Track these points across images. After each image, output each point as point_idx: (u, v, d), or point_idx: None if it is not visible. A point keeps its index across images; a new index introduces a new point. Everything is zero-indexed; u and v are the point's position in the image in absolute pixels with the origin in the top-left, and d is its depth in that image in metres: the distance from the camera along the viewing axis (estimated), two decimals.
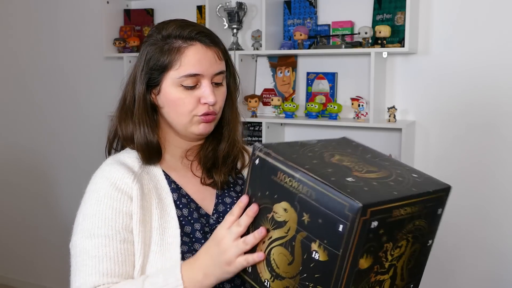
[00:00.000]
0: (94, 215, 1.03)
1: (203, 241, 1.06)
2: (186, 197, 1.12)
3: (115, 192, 1.05)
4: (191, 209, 1.10)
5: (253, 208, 0.90)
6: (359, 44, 2.41)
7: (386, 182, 0.88)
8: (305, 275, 0.84)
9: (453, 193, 2.66)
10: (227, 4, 2.70)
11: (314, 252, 0.81)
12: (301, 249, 0.84)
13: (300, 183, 0.82)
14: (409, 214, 0.85)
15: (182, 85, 1.07)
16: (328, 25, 2.59)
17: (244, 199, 0.92)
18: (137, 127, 1.10)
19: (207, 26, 2.66)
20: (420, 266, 0.96)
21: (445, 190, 0.94)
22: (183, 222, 1.08)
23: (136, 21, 3.05)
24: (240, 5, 2.69)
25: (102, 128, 3.24)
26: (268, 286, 0.90)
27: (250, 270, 0.94)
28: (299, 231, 0.83)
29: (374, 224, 0.78)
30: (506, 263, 2.36)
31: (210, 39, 1.09)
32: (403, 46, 2.30)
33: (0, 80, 3.67)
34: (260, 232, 0.89)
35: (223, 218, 1.11)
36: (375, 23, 2.47)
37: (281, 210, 0.86)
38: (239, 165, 1.21)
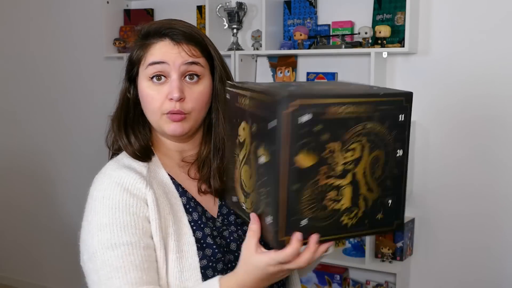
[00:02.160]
0: (111, 224, 0.97)
1: (214, 246, 1.05)
2: (193, 200, 1.10)
3: (129, 198, 1.00)
4: (199, 213, 1.08)
5: (323, 249, 0.88)
6: (359, 44, 2.41)
7: (330, 87, 0.90)
8: (259, 182, 0.86)
9: (453, 193, 2.64)
10: (227, 4, 2.70)
11: (261, 157, 0.84)
12: (254, 159, 0.87)
13: (249, 99, 0.87)
14: (354, 114, 0.84)
15: (150, 79, 1.05)
16: (328, 25, 2.59)
17: (253, 217, 0.90)
18: (118, 129, 1.10)
19: (207, 26, 2.66)
20: (395, 179, 0.93)
21: (403, 95, 0.89)
22: (194, 227, 1.05)
23: (136, 21, 3.05)
24: (240, 5, 2.69)
25: (102, 128, 3.22)
26: (245, 208, 0.93)
27: (235, 199, 0.97)
28: (251, 143, 0.87)
29: (303, 118, 0.79)
30: (506, 261, 2.36)
31: (182, 35, 1.06)
32: (403, 46, 2.30)
33: (0, 80, 3.67)
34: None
35: (227, 220, 1.11)
36: (375, 23, 2.47)
37: (241, 130, 0.91)
38: None
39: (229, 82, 0.98)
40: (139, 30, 1.11)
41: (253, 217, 0.89)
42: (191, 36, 1.07)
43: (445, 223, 2.46)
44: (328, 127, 0.81)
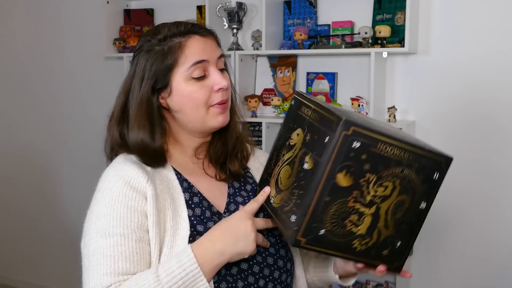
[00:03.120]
0: (108, 214, 1.01)
1: None
2: (198, 195, 1.12)
3: (129, 191, 1.03)
4: (204, 208, 1.11)
5: (266, 190, 1.06)
6: (359, 44, 2.41)
7: (387, 128, 0.98)
8: (295, 184, 0.96)
9: (453, 193, 2.65)
10: (227, 4, 2.70)
11: (305, 163, 0.94)
12: (299, 163, 0.97)
13: (312, 111, 0.97)
14: (397, 157, 0.94)
15: (192, 78, 1.08)
16: (328, 25, 2.59)
17: (267, 189, 1.05)
18: (135, 132, 1.09)
19: (207, 26, 2.65)
20: (412, 226, 1.02)
21: (444, 157, 0.99)
22: (195, 222, 1.07)
23: (136, 21, 3.05)
24: (240, 5, 2.69)
25: (102, 128, 3.22)
26: (272, 202, 1.03)
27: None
28: (301, 149, 0.97)
29: (356, 144, 0.89)
30: (506, 261, 2.36)
31: (204, 29, 1.13)
32: (403, 46, 2.30)
33: (0, 80, 3.67)
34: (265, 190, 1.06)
35: None
36: (375, 23, 2.47)
37: (295, 135, 1.01)
38: (244, 155, 1.24)
39: (299, 91, 1.07)
40: (150, 38, 1.10)
41: (265, 191, 1.05)
42: (208, 29, 1.15)
43: (445, 223, 2.46)
44: (372, 159, 0.91)
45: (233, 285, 1.05)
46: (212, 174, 1.18)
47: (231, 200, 1.17)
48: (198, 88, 1.08)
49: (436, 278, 2.51)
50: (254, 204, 1.04)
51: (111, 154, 1.17)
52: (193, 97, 1.08)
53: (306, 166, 0.93)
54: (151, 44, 1.10)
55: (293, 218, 0.93)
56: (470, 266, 2.43)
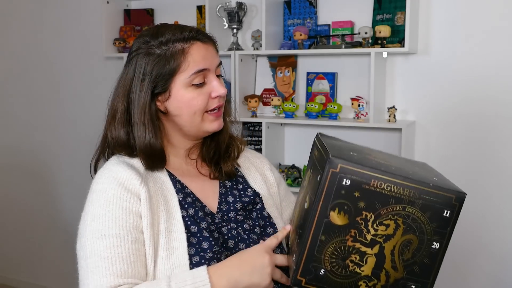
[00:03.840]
0: (103, 216, 1.02)
1: (210, 239, 1.07)
2: (191, 195, 1.13)
3: (124, 192, 1.04)
4: (197, 208, 1.11)
5: (288, 228, 1.07)
6: (359, 44, 2.41)
7: (387, 160, 0.95)
8: (299, 224, 0.98)
9: None
10: (227, 4, 2.70)
11: (305, 203, 0.95)
12: (302, 204, 0.99)
13: (317, 151, 0.97)
14: (396, 194, 0.90)
15: (192, 84, 1.09)
16: (328, 25, 2.59)
17: (288, 227, 1.07)
18: (142, 135, 1.10)
19: (207, 26, 2.67)
20: (425, 268, 0.97)
21: (455, 194, 0.95)
22: (189, 223, 1.08)
23: (136, 21, 3.05)
24: (240, 5, 2.69)
25: (101, 128, 3.23)
26: (289, 241, 1.06)
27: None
28: (307, 189, 0.97)
29: (346, 181, 0.88)
30: (506, 263, 2.36)
31: (206, 36, 1.14)
32: (403, 46, 2.30)
33: (0, 80, 3.67)
34: (286, 228, 1.07)
35: (227, 217, 1.14)
36: (375, 23, 2.47)
37: (307, 176, 1.01)
38: (235, 153, 1.25)
39: (321, 133, 1.05)
40: (150, 40, 1.10)
41: (285, 228, 1.07)
42: (209, 35, 1.15)
43: None
44: (366, 196, 0.89)
45: None
46: (205, 173, 1.19)
47: (223, 199, 1.17)
48: (196, 95, 1.09)
49: (436, 278, 2.50)
50: (274, 240, 1.06)
51: (104, 155, 1.18)
52: (191, 104, 1.09)
53: (305, 205, 0.95)
54: (151, 46, 1.09)
55: (294, 257, 0.94)
56: (470, 266, 2.43)
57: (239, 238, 1.11)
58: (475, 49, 2.33)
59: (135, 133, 1.11)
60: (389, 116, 2.39)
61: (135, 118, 1.10)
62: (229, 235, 1.11)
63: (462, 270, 2.45)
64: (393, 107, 2.38)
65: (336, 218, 0.90)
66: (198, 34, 1.11)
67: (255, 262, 1.00)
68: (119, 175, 1.06)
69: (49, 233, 3.60)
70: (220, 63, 1.17)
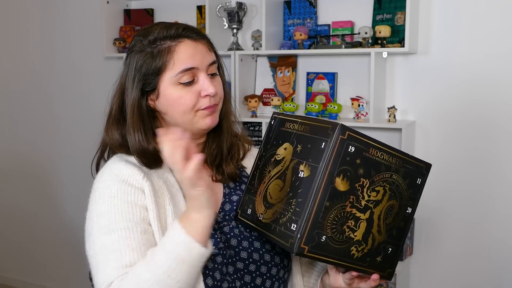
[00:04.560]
0: (109, 211, 1.01)
1: (216, 235, 1.07)
2: None
3: (127, 187, 1.03)
4: None
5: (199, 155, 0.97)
6: (359, 44, 2.41)
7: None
8: (290, 194, 0.97)
9: (453, 192, 2.64)
10: (227, 4, 2.70)
11: (300, 172, 0.96)
12: (291, 174, 0.98)
13: (300, 124, 1.01)
14: (387, 162, 0.98)
15: (180, 83, 1.07)
16: (328, 25, 2.59)
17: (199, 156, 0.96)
18: (132, 135, 1.10)
19: (207, 26, 2.67)
20: (399, 231, 1.05)
21: (424, 164, 1.06)
22: None
23: (136, 21, 3.05)
24: (240, 5, 2.69)
25: (101, 128, 3.23)
26: (261, 219, 1.03)
27: (249, 211, 1.06)
28: (292, 160, 0.99)
29: (351, 148, 0.93)
30: (506, 261, 2.36)
31: (196, 33, 1.11)
32: (403, 46, 2.30)
33: (0, 80, 3.67)
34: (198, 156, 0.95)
35: (229, 217, 1.14)
36: (375, 23, 2.47)
37: (282, 150, 1.03)
38: (241, 154, 1.23)
39: (277, 111, 1.11)
40: (142, 38, 1.11)
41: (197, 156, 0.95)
42: (200, 32, 1.13)
43: (445, 223, 2.46)
44: (365, 164, 0.95)
45: (233, 285, 1.06)
46: (207, 175, 1.18)
47: (226, 199, 1.17)
48: (185, 93, 1.07)
49: (436, 278, 2.51)
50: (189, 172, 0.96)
51: (105, 155, 1.18)
52: (180, 102, 1.08)
53: (302, 174, 0.95)
54: (143, 44, 1.10)
55: (293, 226, 0.93)
56: (470, 266, 2.43)
57: (242, 236, 1.11)
58: (475, 49, 2.33)
59: (126, 133, 1.11)
60: (389, 116, 2.39)
61: (127, 117, 1.11)
62: (231, 234, 1.11)
63: (462, 270, 2.44)
64: (393, 107, 2.38)
65: (340, 184, 0.93)
66: (186, 32, 1.09)
67: (197, 200, 0.96)
68: (121, 172, 1.05)
69: (49, 233, 3.60)
70: (215, 61, 1.14)
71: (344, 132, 0.92)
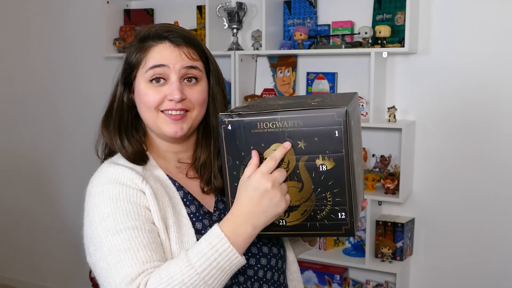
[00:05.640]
0: (113, 213, 0.99)
1: None
2: (189, 195, 1.12)
3: (128, 189, 1.02)
4: (196, 206, 1.11)
5: (287, 145, 0.94)
6: (359, 44, 2.41)
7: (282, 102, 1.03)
8: (319, 189, 0.95)
9: (453, 192, 2.65)
10: (227, 4, 2.70)
11: (320, 166, 0.94)
12: (307, 171, 0.95)
13: (283, 121, 0.94)
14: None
15: (150, 81, 1.08)
16: (328, 25, 2.59)
17: (287, 144, 0.94)
18: (112, 132, 1.12)
19: (207, 26, 2.67)
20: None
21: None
22: (194, 219, 1.08)
23: (136, 21, 3.05)
24: (240, 5, 2.69)
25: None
26: (284, 224, 0.99)
27: None
28: (299, 158, 0.95)
29: (351, 124, 0.94)
30: (506, 261, 2.36)
31: (182, 38, 1.09)
32: (403, 46, 2.30)
33: (0, 80, 3.67)
34: (285, 145, 0.94)
35: (224, 215, 1.11)
36: (375, 23, 2.47)
37: (272, 152, 0.96)
38: None
39: (222, 115, 0.96)
40: (137, 33, 1.13)
41: (255, 153, 0.95)
42: (190, 39, 1.10)
43: (445, 223, 2.46)
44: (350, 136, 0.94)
45: (235, 280, 1.06)
46: (198, 179, 1.16)
47: (219, 198, 1.16)
48: (152, 92, 1.07)
49: (436, 278, 2.51)
50: (271, 162, 0.94)
51: (104, 152, 1.18)
52: (145, 99, 1.08)
53: (324, 168, 0.94)
54: (133, 41, 1.14)
55: (341, 215, 0.95)
56: (469, 266, 2.43)
57: None
58: (475, 49, 2.33)
59: (113, 131, 1.12)
60: (389, 116, 2.39)
61: (113, 113, 1.13)
62: None
63: (462, 269, 2.45)
64: (393, 107, 2.38)
65: (355, 161, 0.98)
66: (169, 34, 1.09)
67: (261, 199, 0.92)
68: (119, 176, 1.04)
69: (49, 233, 3.60)
70: (194, 67, 1.09)
71: (348, 113, 0.92)
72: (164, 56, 1.07)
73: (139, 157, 1.10)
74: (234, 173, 0.98)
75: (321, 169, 0.94)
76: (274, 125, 0.94)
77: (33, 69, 3.51)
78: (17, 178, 3.71)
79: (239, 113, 0.95)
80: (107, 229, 0.98)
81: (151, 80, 1.07)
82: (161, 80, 1.07)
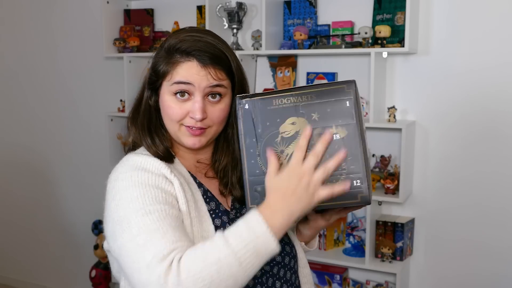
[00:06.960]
0: (142, 196, 1.00)
1: None
2: (209, 192, 1.14)
3: (156, 177, 1.04)
4: (216, 203, 1.13)
5: (327, 136, 0.96)
6: (359, 44, 2.41)
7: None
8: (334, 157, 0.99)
9: (453, 192, 2.65)
10: (227, 4, 2.70)
11: (334, 136, 0.99)
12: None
13: (298, 96, 1.01)
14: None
15: (174, 94, 1.09)
16: (328, 25, 2.59)
17: (308, 131, 0.97)
18: (141, 131, 1.14)
19: (207, 26, 2.66)
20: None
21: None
22: (213, 216, 1.10)
23: (136, 21, 3.05)
24: (240, 5, 2.69)
25: (101, 128, 3.24)
26: None
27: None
28: (313, 130, 1.00)
29: (358, 96, 1.01)
30: (506, 261, 2.36)
31: (209, 57, 1.08)
32: (403, 46, 2.30)
33: (0, 80, 3.67)
34: (340, 155, 0.96)
35: (240, 214, 1.14)
36: (375, 23, 2.47)
37: (289, 126, 1.01)
38: None
39: (238, 98, 1.03)
40: (166, 42, 1.12)
41: (271, 153, 0.98)
42: (218, 59, 1.10)
43: (445, 223, 2.46)
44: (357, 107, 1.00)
45: None
46: (215, 182, 1.18)
47: (236, 198, 1.18)
48: (175, 106, 1.09)
49: (436, 278, 2.51)
50: (299, 153, 0.96)
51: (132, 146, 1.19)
52: (168, 111, 1.10)
53: (337, 137, 0.98)
54: (163, 46, 1.13)
55: (357, 182, 0.98)
56: (469, 266, 2.43)
57: None
58: (475, 49, 2.33)
59: (140, 129, 1.15)
60: (389, 116, 2.39)
61: (140, 112, 1.15)
62: None
63: (462, 270, 2.45)
64: (393, 107, 2.38)
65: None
66: (196, 52, 1.07)
67: (297, 187, 0.94)
68: (147, 165, 1.06)
69: (49, 233, 3.60)
70: (219, 86, 1.09)
71: (356, 85, 0.99)
72: (190, 74, 1.07)
73: (167, 155, 1.12)
74: (251, 150, 1.02)
75: (335, 138, 0.99)
76: (289, 101, 1.01)
77: (33, 69, 3.51)
78: (17, 178, 3.71)
79: (255, 94, 1.03)
80: (136, 210, 0.98)
81: (176, 93, 1.09)
82: (186, 94, 1.08)
